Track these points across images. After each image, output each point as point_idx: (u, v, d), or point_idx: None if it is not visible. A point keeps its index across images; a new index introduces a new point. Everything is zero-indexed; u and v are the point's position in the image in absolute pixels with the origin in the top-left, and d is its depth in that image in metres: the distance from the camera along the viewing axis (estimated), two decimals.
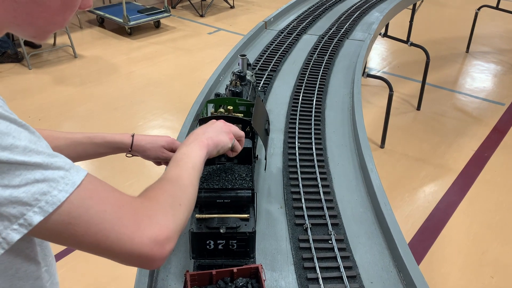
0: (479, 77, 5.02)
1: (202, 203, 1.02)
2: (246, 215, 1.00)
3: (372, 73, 4.53)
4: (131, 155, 1.11)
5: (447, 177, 3.33)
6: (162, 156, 1.14)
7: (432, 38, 5.88)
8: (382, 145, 3.65)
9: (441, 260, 2.63)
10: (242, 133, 1.02)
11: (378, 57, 5.53)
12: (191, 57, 5.27)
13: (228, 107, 1.33)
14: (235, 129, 1.01)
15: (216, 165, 1.12)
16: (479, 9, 5.17)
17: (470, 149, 3.66)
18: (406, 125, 4.04)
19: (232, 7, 7.06)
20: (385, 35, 4.07)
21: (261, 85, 1.95)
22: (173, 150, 1.16)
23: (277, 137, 1.61)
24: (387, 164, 3.45)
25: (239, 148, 1.00)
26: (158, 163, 1.20)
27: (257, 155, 1.38)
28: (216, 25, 6.27)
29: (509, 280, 2.49)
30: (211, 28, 6.17)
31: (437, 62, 5.18)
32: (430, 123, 4.06)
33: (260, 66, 2.13)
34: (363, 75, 3.44)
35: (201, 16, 6.58)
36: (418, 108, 4.24)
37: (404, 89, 4.61)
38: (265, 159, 1.35)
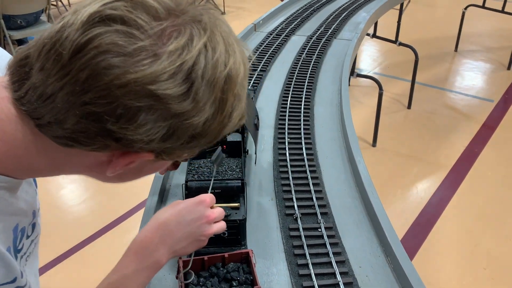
0: (468, 75, 5.09)
1: (194, 194, 1.05)
2: (236, 204, 1.04)
3: (363, 73, 4.58)
4: None
5: (439, 173, 3.38)
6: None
7: (422, 38, 5.95)
8: (374, 144, 3.69)
9: (434, 254, 2.66)
10: (222, 223, 0.86)
11: (369, 58, 5.60)
12: None
13: None
14: (217, 216, 0.84)
15: (207, 158, 1.16)
16: (465, 8, 5.25)
17: (461, 145, 3.72)
18: (397, 124, 4.10)
19: (223, 13, 7.12)
20: (374, 35, 4.13)
21: (251, 84, 1.99)
22: None
23: (267, 133, 1.65)
24: (379, 162, 3.50)
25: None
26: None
27: (247, 150, 1.41)
28: None
29: (501, 271, 2.53)
30: None
31: (427, 61, 5.25)
32: (421, 121, 4.12)
33: (250, 66, 2.17)
34: (352, 75, 3.50)
35: None
36: (409, 107, 4.29)
37: (395, 88, 4.67)
38: (255, 153, 1.39)
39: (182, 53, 0.50)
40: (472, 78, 5.02)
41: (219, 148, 1.09)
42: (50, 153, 0.56)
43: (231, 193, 1.06)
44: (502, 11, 5.03)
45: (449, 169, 3.42)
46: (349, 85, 4.79)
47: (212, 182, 1.00)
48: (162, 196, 1.31)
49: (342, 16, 2.94)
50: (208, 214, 0.82)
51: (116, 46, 0.48)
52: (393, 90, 4.62)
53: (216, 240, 1.02)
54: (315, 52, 2.32)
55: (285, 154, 1.50)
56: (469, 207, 3.04)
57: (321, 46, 2.40)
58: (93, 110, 0.49)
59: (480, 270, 2.55)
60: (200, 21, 0.53)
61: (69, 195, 3.10)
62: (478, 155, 3.60)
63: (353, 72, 3.55)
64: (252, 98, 1.71)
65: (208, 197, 0.85)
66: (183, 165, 1.27)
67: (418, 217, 2.96)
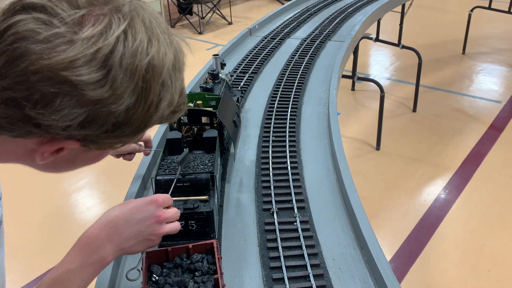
0: (476, 77, 5.03)
1: (164, 188, 1.06)
2: (205, 197, 1.04)
3: (370, 78, 4.57)
4: None
5: (444, 175, 3.33)
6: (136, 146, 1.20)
7: (429, 42, 5.91)
8: (377, 147, 3.66)
9: (438, 256, 2.61)
10: (175, 224, 0.87)
11: (376, 62, 5.58)
12: (190, 72, 5.36)
13: (197, 101, 1.38)
14: (169, 216, 0.84)
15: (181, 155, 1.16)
16: (472, 10, 5.20)
17: (467, 147, 3.66)
18: (402, 127, 4.06)
19: (230, 23, 7.20)
20: (377, 39, 4.11)
21: (241, 85, 2.00)
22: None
23: (253, 133, 1.65)
24: (383, 165, 3.46)
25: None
26: (117, 155, 1.24)
27: (227, 147, 1.42)
28: (215, 41, 6.39)
29: (506, 273, 2.46)
30: (209, 44, 6.28)
31: (434, 64, 5.20)
32: (426, 123, 4.07)
33: (241, 69, 2.18)
34: (353, 78, 3.49)
35: (200, 33, 6.72)
36: (414, 110, 4.25)
37: (401, 92, 4.63)
38: (233, 149, 1.39)
39: (98, 40, 0.50)
40: (479, 80, 4.95)
41: (186, 150, 1.10)
42: None
43: (201, 186, 1.06)
44: (509, 12, 4.97)
45: (454, 171, 3.37)
46: (353, 89, 4.78)
47: (175, 181, 1.00)
48: (142, 194, 1.32)
49: (339, 19, 2.94)
50: (158, 214, 0.82)
51: (33, 32, 0.48)
52: (399, 94, 4.59)
53: (184, 233, 1.02)
54: (307, 53, 2.33)
55: (268, 151, 1.50)
56: (474, 209, 2.98)
57: (314, 48, 2.40)
58: (12, 96, 0.49)
59: (484, 272, 2.48)
60: (121, 10, 0.53)
61: (74, 203, 3.14)
62: (485, 156, 3.54)
63: (354, 76, 3.54)
64: (238, 98, 1.72)
65: (161, 197, 0.84)
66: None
67: (421, 220, 2.91)
